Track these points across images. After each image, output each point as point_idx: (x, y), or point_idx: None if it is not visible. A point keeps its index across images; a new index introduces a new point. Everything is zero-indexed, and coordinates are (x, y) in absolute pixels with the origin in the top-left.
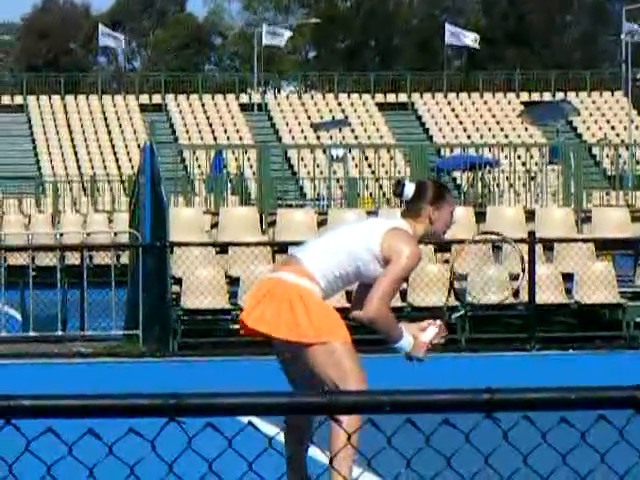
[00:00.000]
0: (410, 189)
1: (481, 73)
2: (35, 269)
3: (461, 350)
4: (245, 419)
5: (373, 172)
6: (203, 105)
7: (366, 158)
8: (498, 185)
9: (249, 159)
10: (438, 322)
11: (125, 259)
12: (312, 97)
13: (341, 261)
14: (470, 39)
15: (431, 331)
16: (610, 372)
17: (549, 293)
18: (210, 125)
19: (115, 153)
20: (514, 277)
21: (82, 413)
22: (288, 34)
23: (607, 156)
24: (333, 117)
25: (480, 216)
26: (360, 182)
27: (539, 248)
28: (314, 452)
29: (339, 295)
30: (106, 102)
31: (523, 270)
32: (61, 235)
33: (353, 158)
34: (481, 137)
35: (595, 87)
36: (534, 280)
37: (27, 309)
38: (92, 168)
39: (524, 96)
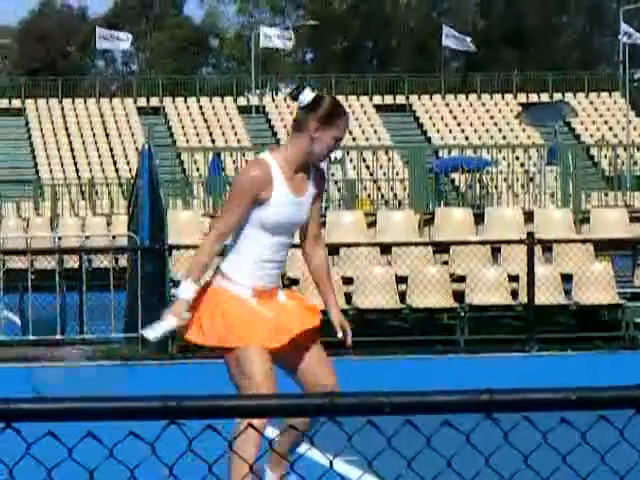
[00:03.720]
0: (307, 97)
1: (479, 74)
2: (34, 272)
3: (460, 351)
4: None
5: (371, 174)
6: (201, 108)
7: (364, 160)
8: (496, 186)
9: (247, 162)
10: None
11: (124, 262)
12: None
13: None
14: (466, 42)
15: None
16: (609, 372)
17: (548, 294)
18: (208, 128)
19: (113, 156)
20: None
21: (82, 416)
22: (289, 36)
23: (605, 157)
24: None
25: (478, 217)
26: (358, 184)
27: (538, 249)
28: (314, 453)
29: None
30: (104, 105)
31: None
32: (59, 239)
33: (351, 160)
34: (479, 138)
35: (593, 88)
36: (533, 281)
37: (26, 313)
38: (90, 171)
39: (522, 97)
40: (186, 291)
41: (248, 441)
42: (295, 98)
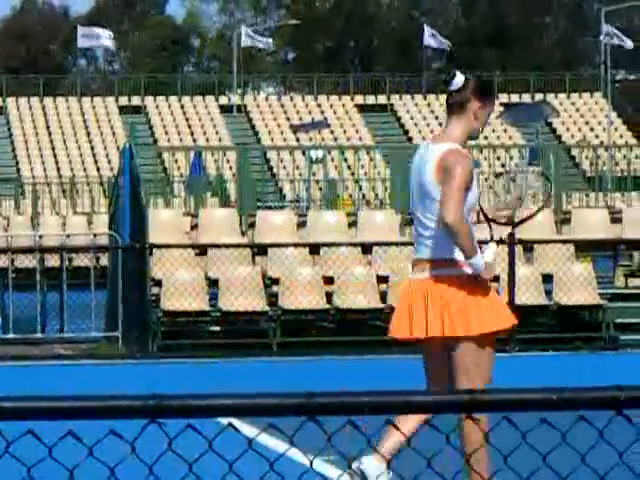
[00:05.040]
0: (459, 80)
1: None
2: (14, 271)
3: None
4: (225, 420)
5: (352, 174)
6: (182, 107)
7: (345, 160)
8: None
9: (228, 161)
10: (492, 244)
11: (105, 261)
12: (291, 99)
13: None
14: (445, 44)
15: (490, 251)
16: (590, 373)
17: (529, 294)
18: (189, 127)
19: (94, 155)
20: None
21: (62, 415)
22: (268, 40)
23: (586, 158)
24: (312, 119)
25: None
26: (339, 183)
27: (519, 249)
28: (294, 452)
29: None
30: (85, 104)
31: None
32: (40, 237)
33: (332, 160)
34: None
35: (574, 89)
36: (514, 281)
37: (6, 311)
38: (71, 170)
39: (503, 97)
40: (481, 261)
41: (477, 434)
42: (449, 82)
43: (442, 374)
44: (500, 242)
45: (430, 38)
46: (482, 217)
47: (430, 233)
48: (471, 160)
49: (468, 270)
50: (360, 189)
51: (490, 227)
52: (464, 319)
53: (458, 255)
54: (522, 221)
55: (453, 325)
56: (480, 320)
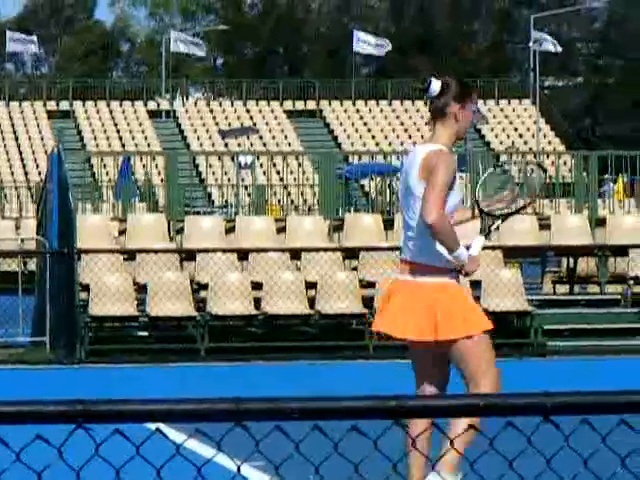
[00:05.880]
0: (436, 86)
1: (389, 81)
2: None
3: (369, 357)
4: (153, 426)
5: (281, 179)
6: (111, 112)
7: (274, 165)
8: None
9: (157, 166)
10: (480, 237)
11: (32, 266)
12: (220, 104)
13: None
14: (378, 47)
15: (477, 245)
16: (518, 379)
17: None
18: (118, 132)
19: (22, 160)
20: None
21: None
22: (200, 41)
23: (515, 164)
24: (241, 124)
25: (388, 224)
26: (268, 189)
27: None
28: (221, 458)
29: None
30: (13, 109)
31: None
32: None
33: (261, 165)
34: (389, 145)
35: (503, 95)
36: None
37: None
38: None
39: None
40: (464, 254)
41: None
42: (427, 90)
43: (429, 373)
44: (489, 234)
45: (360, 44)
46: (477, 211)
47: (413, 235)
48: (455, 161)
49: (447, 278)
50: (289, 195)
51: (483, 220)
52: (453, 322)
53: (439, 262)
54: (515, 212)
55: (442, 329)
56: (468, 322)
